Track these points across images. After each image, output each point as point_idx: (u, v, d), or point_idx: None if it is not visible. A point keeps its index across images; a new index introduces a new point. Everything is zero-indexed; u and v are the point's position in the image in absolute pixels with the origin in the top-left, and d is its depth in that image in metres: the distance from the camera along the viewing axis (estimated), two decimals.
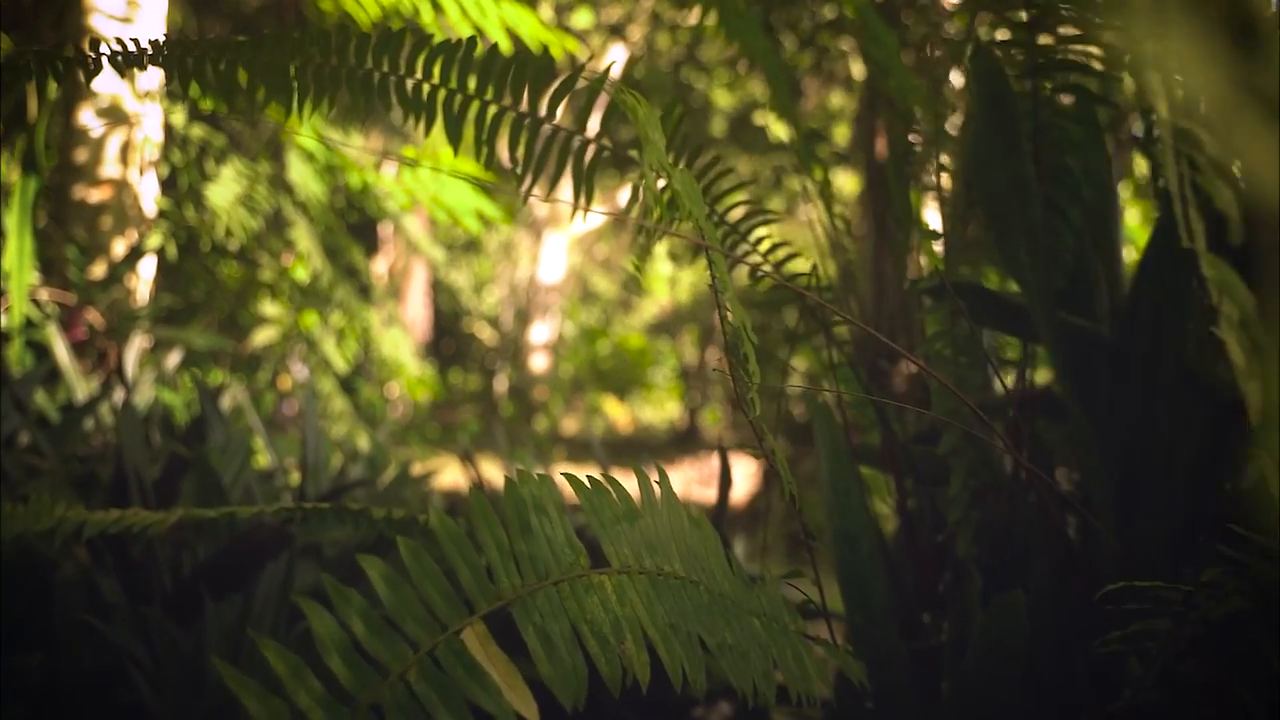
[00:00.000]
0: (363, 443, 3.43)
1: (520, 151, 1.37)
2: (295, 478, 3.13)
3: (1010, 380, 2.10)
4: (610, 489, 0.89)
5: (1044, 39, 1.51)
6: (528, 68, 1.32)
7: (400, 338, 3.92)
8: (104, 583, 1.66)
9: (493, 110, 1.33)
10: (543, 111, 1.35)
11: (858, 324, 1.00)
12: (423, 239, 3.77)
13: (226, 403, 2.92)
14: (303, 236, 3.42)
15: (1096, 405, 1.49)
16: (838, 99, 8.57)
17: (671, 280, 15.02)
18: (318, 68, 1.33)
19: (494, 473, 7.42)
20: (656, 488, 0.95)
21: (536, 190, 1.40)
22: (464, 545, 0.75)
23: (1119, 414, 1.44)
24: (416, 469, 2.93)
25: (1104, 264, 1.77)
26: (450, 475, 6.18)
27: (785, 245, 1.58)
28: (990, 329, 1.44)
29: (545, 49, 1.31)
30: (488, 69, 1.32)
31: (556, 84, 1.31)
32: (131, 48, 1.28)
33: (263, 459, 3.05)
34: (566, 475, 0.87)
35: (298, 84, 1.34)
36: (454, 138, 1.36)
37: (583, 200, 1.37)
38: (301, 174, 3.43)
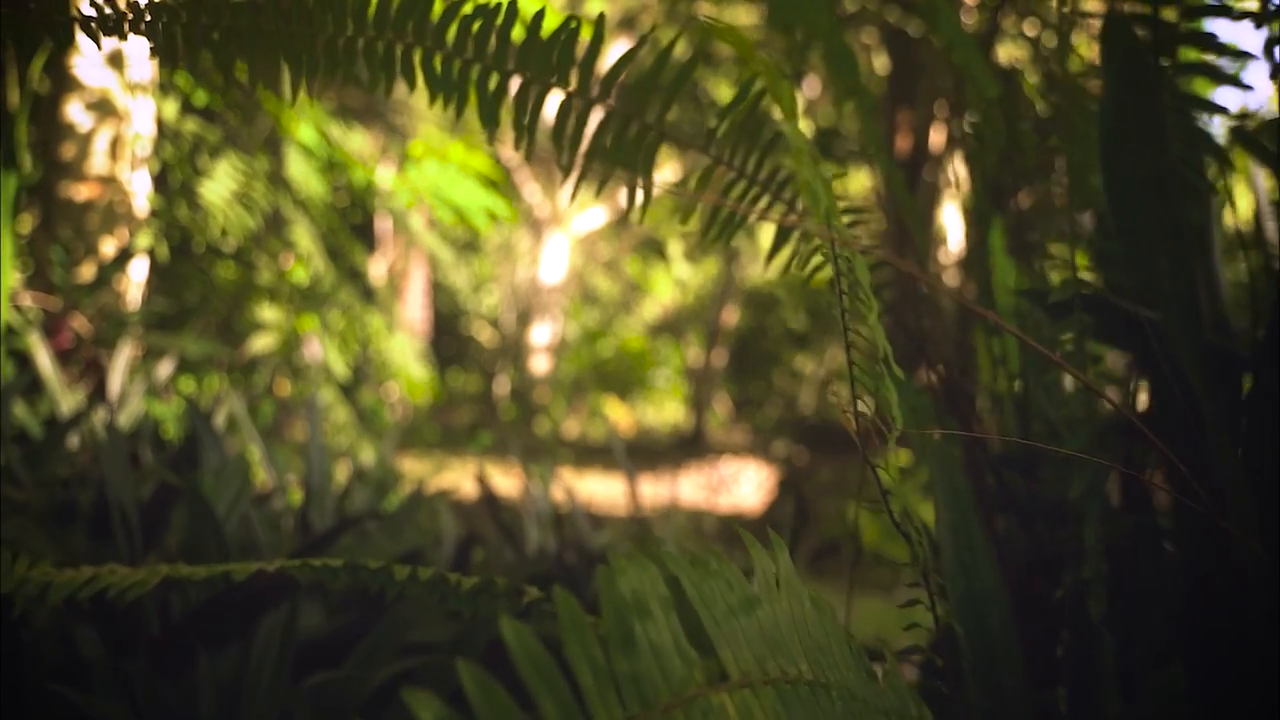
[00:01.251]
0: (367, 456, 3.22)
1: (567, 138, 1.16)
2: (297, 495, 2.93)
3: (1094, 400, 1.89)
4: (721, 569, 0.69)
5: (1169, 12, 1.31)
6: (576, 40, 1.11)
7: (407, 344, 3.71)
8: (80, 632, 1.45)
9: (536, 89, 1.13)
10: (595, 91, 1.14)
11: (1016, 334, 0.80)
12: (431, 239, 3.56)
13: (221, 416, 2.71)
14: (303, 237, 3.21)
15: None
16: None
17: (679, 281, 14.80)
18: (330, 38, 1.12)
19: (506, 482, 7.20)
20: (769, 559, 0.75)
21: (565, 180, 1.19)
22: (547, 669, 0.54)
23: (1259, 442, 1.24)
24: (424, 484, 2.72)
25: (1203, 268, 1.57)
26: (454, 478, 5.99)
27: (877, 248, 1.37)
28: (1115, 348, 1.23)
29: (600, 18, 1.11)
30: (532, 41, 1.11)
31: (617, 59, 1.11)
32: (109, 10, 1.07)
33: (261, 473, 2.84)
34: (668, 556, 0.67)
35: (306, 58, 1.13)
36: (490, 121, 1.15)
37: (640, 192, 1.17)
38: (301, 170, 3.22)
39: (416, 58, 1.12)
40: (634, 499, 2.91)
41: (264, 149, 3.34)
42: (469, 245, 16.14)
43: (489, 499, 2.61)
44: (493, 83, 1.12)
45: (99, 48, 1.15)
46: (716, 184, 1.17)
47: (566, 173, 1.16)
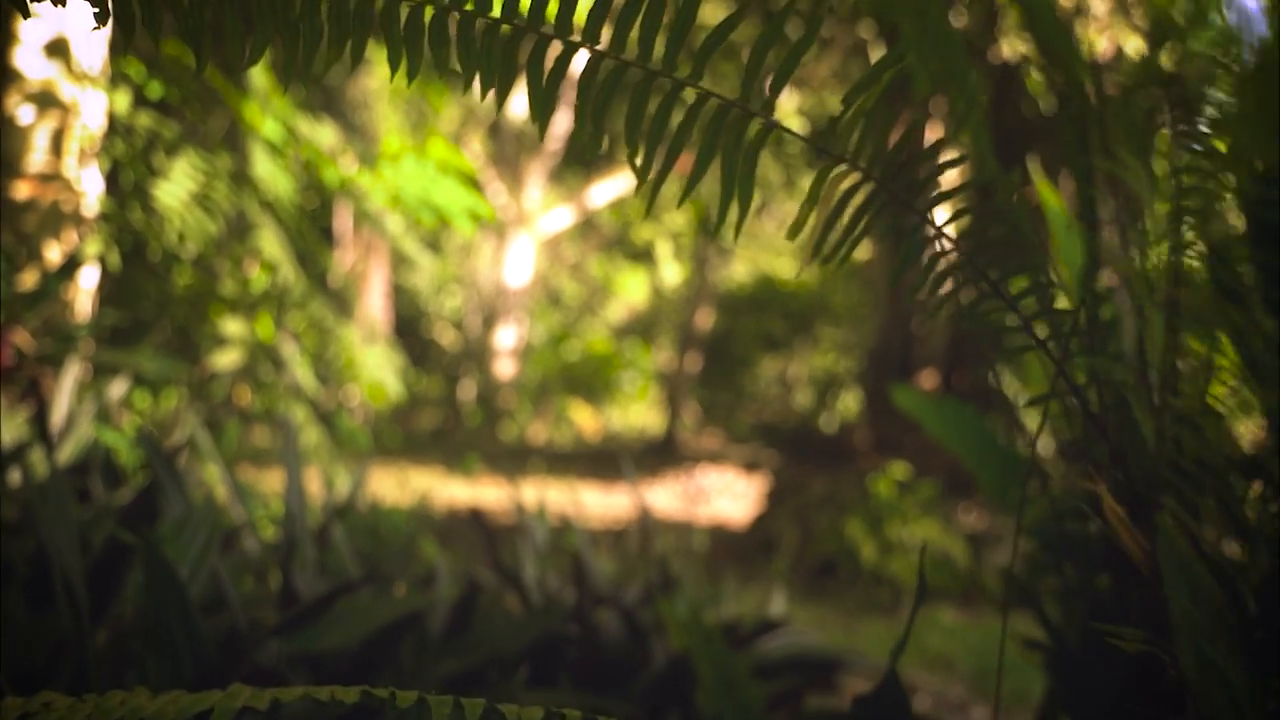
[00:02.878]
0: (342, 483, 2.95)
1: (643, 132, 0.90)
2: (269, 530, 2.65)
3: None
4: None
5: None
6: (664, 5, 0.86)
7: (384, 356, 3.43)
8: None
9: (609, 68, 0.87)
10: (679, 66, 0.89)
11: None
12: (410, 244, 3.28)
13: (181, 446, 2.42)
14: (270, 242, 2.92)
15: None
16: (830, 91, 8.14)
17: (660, 282, 14.50)
18: (337, 3, 0.86)
19: (473, 491, 6.91)
20: None
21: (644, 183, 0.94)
22: None
23: None
24: (411, 522, 2.46)
25: None
26: (420, 484, 5.69)
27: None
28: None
29: None
30: (603, 6, 0.85)
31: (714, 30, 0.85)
32: None
33: (222, 492, 2.57)
34: None
35: (305, 27, 0.87)
36: (543, 110, 0.89)
37: (737, 204, 0.91)
38: (267, 169, 2.93)
39: (453, 25, 0.86)
40: (642, 520, 2.66)
41: (225, 146, 3.05)
42: (429, 246, 15.77)
43: (486, 536, 2.35)
44: (552, 58, 0.86)
45: (25, 15, 0.88)
46: (833, 189, 0.91)
47: (643, 175, 0.90)
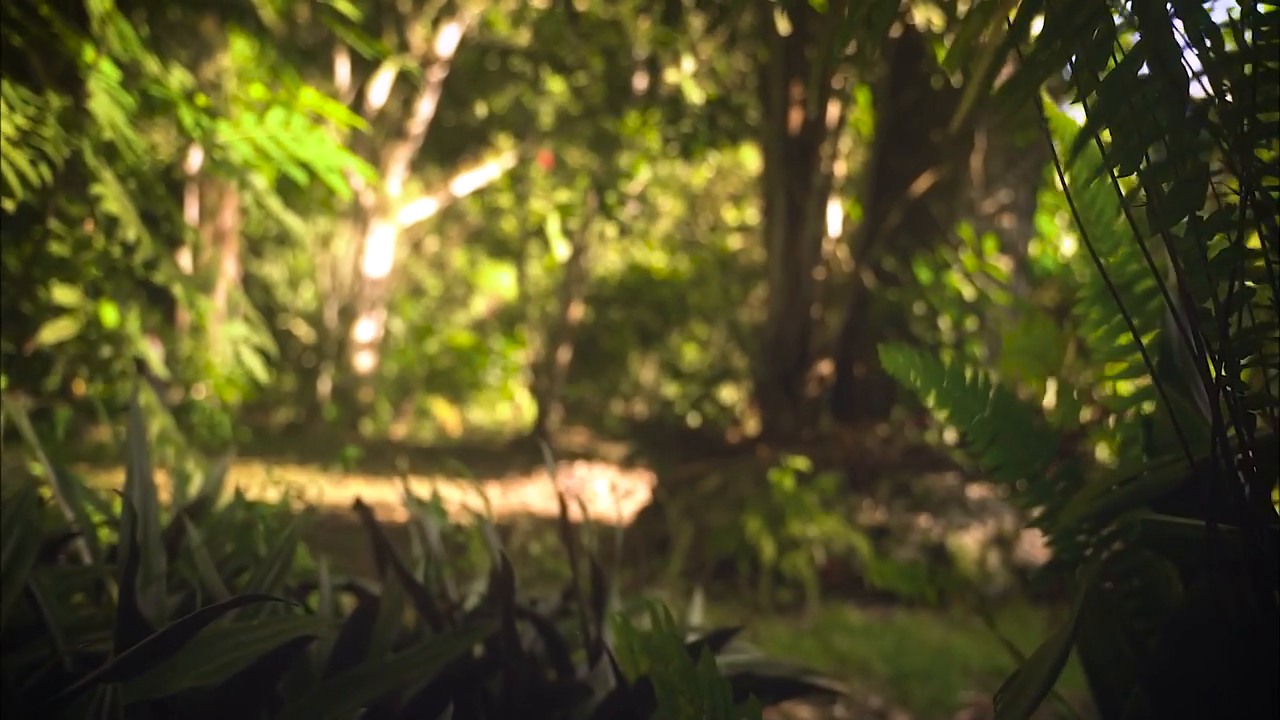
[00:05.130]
0: (196, 478, 2.52)
1: None
2: (105, 533, 2.21)
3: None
4: None
5: None
6: None
7: (246, 333, 2.99)
8: None
9: None
10: None
11: None
12: (275, 204, 2.85)
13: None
14: (111, 196, 2.47)
15: None
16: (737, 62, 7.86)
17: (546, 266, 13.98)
18: None
19: (361, 490, 6.39)
20: None
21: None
22: None
23: None
24: (286, 527, 2.06)
25: None
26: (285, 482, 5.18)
27: None
28: None
29: None
30: None
31: None
32: None
33: (46, 491, 2.12)
34: None
35: None
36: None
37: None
38: (109, 110, 2.48)
39: None
40: (565, 517, 2.31)
41: (56, 81, 2.59)
42: (280, 240, 15.11)
43: (373, 536, 1.97)
44: None
45: None
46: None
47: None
